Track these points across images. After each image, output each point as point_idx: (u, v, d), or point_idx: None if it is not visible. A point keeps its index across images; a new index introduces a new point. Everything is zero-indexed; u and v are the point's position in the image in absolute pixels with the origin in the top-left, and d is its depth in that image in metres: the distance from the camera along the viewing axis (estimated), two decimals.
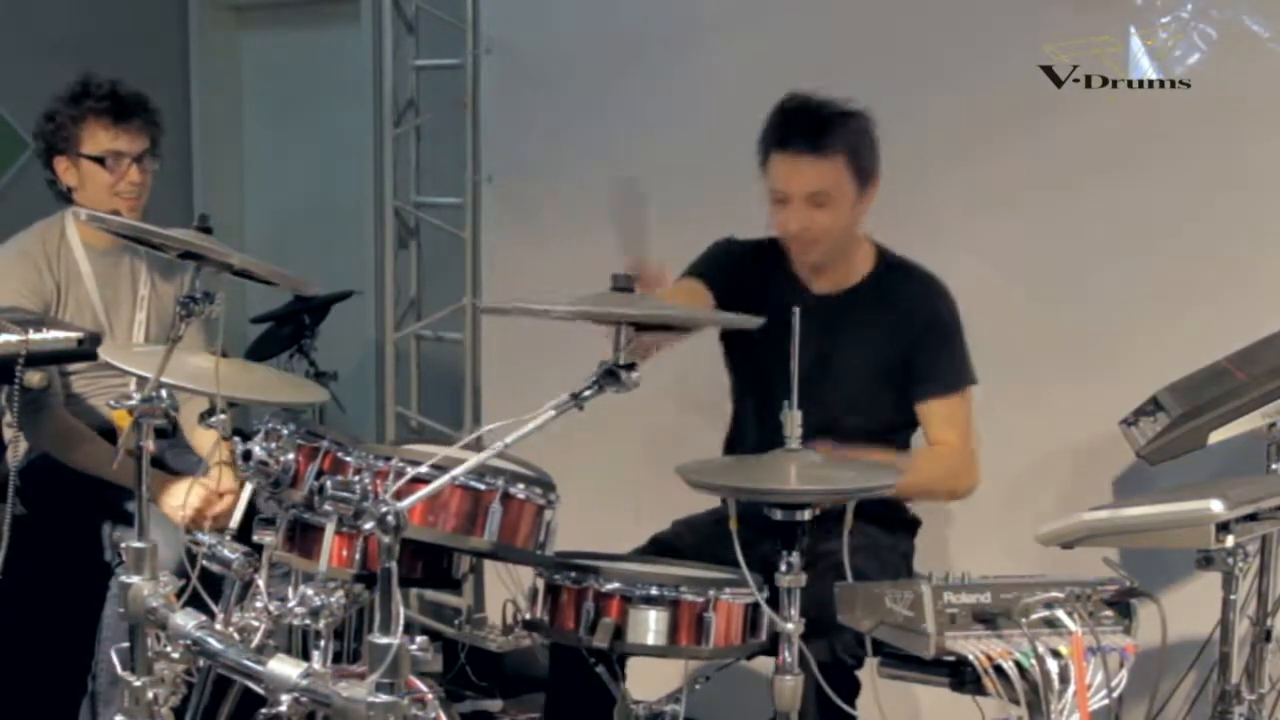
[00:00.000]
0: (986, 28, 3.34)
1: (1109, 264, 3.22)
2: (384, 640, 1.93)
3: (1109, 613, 2.25)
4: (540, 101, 4.25)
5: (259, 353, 4.58)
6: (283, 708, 2.08)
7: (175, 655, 2.37)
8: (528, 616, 2.52)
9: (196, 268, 2.51)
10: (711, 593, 2.42)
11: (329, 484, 2.01)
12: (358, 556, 2.44)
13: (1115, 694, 2.19)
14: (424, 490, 2.05)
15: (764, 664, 2.44)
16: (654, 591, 2.41)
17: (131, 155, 3.32)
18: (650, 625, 2.41)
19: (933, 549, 3.02)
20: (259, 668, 2.14)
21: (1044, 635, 2.18)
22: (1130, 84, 3.13)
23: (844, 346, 2.89)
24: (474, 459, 2.11)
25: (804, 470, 2.23)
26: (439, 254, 4.74)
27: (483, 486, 2.36)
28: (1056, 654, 2.16)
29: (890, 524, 2.93)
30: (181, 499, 3.07)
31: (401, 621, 1.93)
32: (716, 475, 2.32)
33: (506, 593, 2.58)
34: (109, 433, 3.28)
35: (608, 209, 2.73)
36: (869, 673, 2.51)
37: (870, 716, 2.51)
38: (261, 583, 2.40)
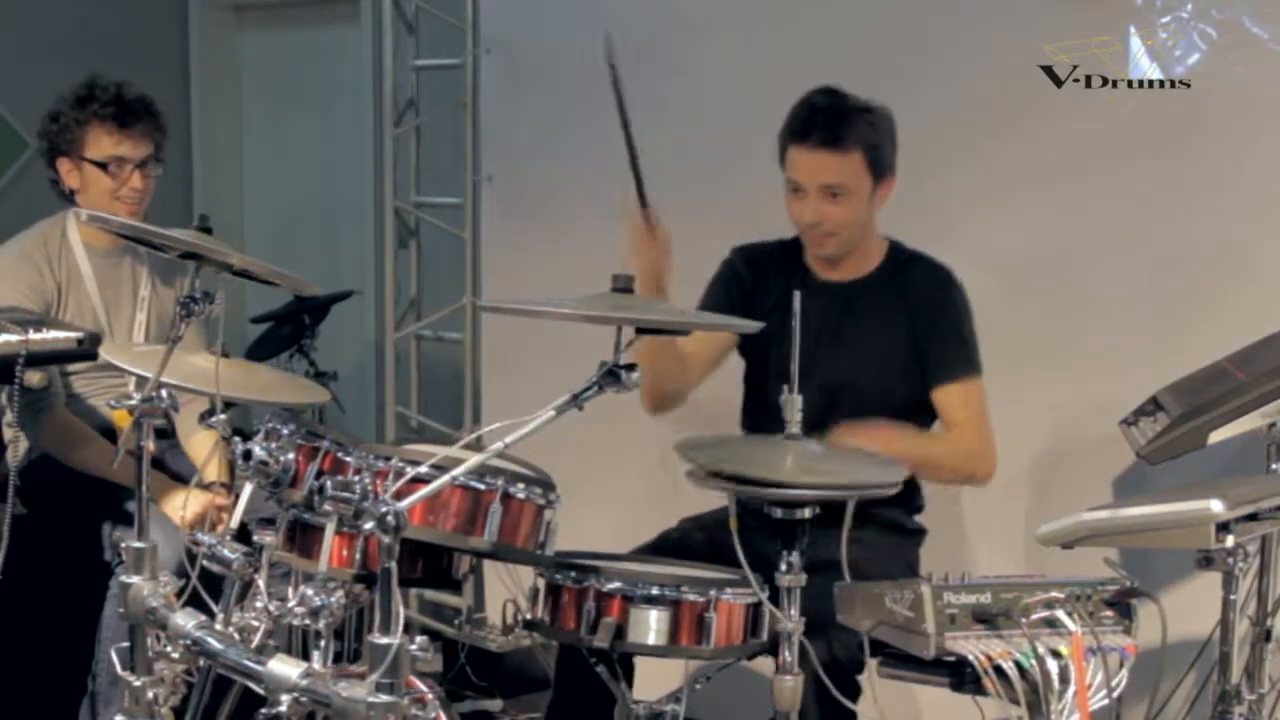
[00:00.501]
0: (986, 28, 3.34)
1: (1109, 264, 3.22)
2: (384, 640, 1.93)
3: (1109, 613, 2.25)
4: (540, 101, 4.25)
5: (259, 353, 4.58)
6: (283, 708, 2.08)
7: (175, 655, 2.37)
8: (528, 616, 2.52)
9: (196, 268, 2.51)
10: (712, 593, 2.42)
11: (329, 484, 2.01)
12: (358, 556, 2.44)
13: (1115, 694, 2.19)
14: (424, 490, 2.05)
15: (764, 664, 2.44)
16: (655, 591, 2.41)
17: (134, 161, 3.32)
18: (651, 625, 2.41)
19: (933, 549, 3.02)
20: (259, 668, 2.14)
21: (1044, 635, 2.19)
22: (1130, 84, 3.13)
23: (855, 333, 2.92)
24: (474, 459, 2.11)
25: (802, 463, 2.24)
26: (439, 254, 4.74)
27: (483, 486, 2.36)
28: (1056, 654, 2.16)
29: (896, 532, 2.93)
30: (181, 504, 3.07)
31: (401, 621, 1.94)
32: (715, 458, 2.31)
33: (506, 593, 2.58)
34: (110, 433, 3.28)
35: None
36: (869, 673, 2.51)
37: (870, 717, 2.51)
38: (261, 583, 2.40)
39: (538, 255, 4.19)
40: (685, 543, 2.91)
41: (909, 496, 2.95)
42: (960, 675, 2.22)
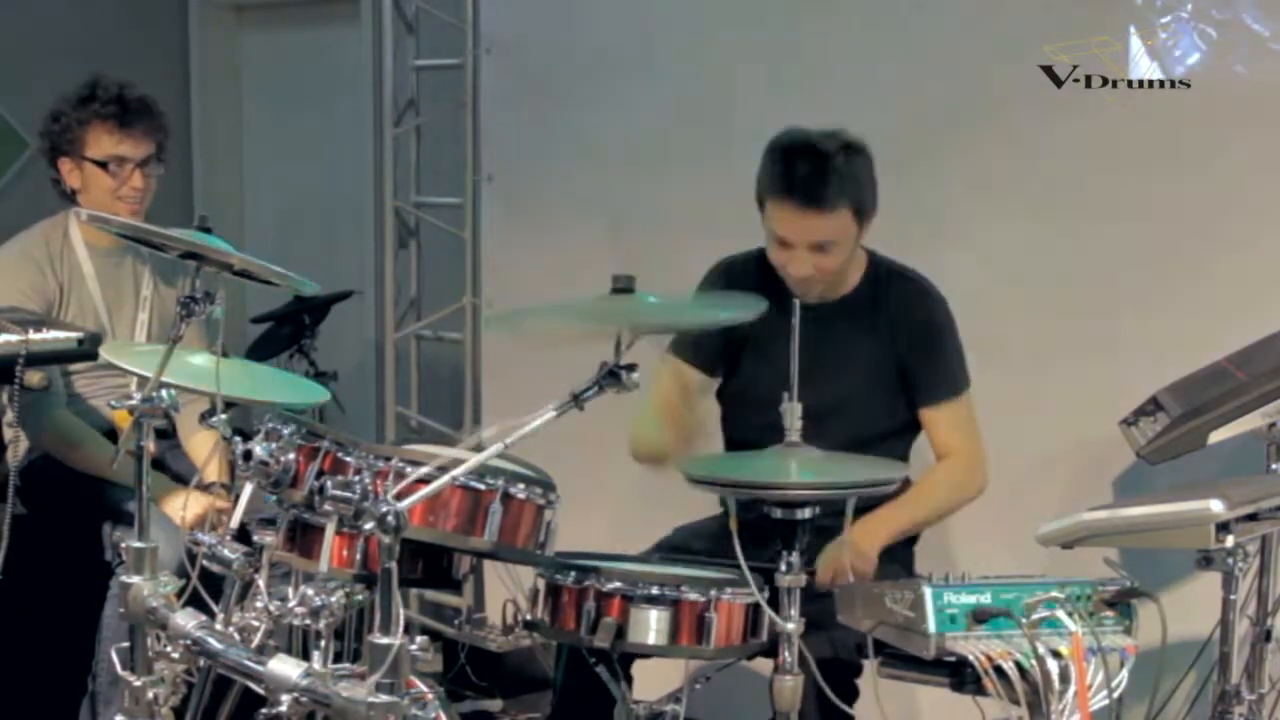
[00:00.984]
0: (987, 28, 3.34)
1: (1109, 263, 3.22)
2: (384, 640, 1.93)
3: (1109, 613, 2.25)
4: (540, 101, 4.25)
5: (259, 353, 4.57)
6: (283, 708, 2.08)
7: (175, 655, 2.37)
8: (528, 616, 2.52)
9: (196, 268, 2.51)
10: (713, 593, 2.42)
11: (329, 484, 2.01)
12: (358, 557, 2.44)
13: (1115, 694, 2.18)
14: (424, 490, 2.05)
15: (764, 664, 2.44)
16: (655, 591, 2.42)
17: (135, 161, 3.32)
18: (651, 625, 2.41)
19: (933, 549, 3.02)
20: (259, 668, 2.14)
21: (1044, 635, 2.18)
22: (1130, 84, 3.13)
23: (835, 353, 2.87)
24: (474, 459, 2.11)
25: (803, 466, 2.24)
26: (439, 254, 4.74)
27: (483, 486, 2.35)
28: (1057, 654, 2.16)
29: None
30: (181, 505, 3.07)
31: (401, 621, 1.93)
32: (716, 470, 2.31)
33: (506, 593, 2.58)
34: (111, 433, 3.28)
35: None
36: (869, 673, 2.51)
37: (870, 717, 2.51)
38: (261, 583, 2.39)
39: (538, 255, 4.19)
40: (683, 551, 2.91)
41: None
42: (960, 675, 2.22)
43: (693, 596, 2.42)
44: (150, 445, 2.48)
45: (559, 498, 2.45)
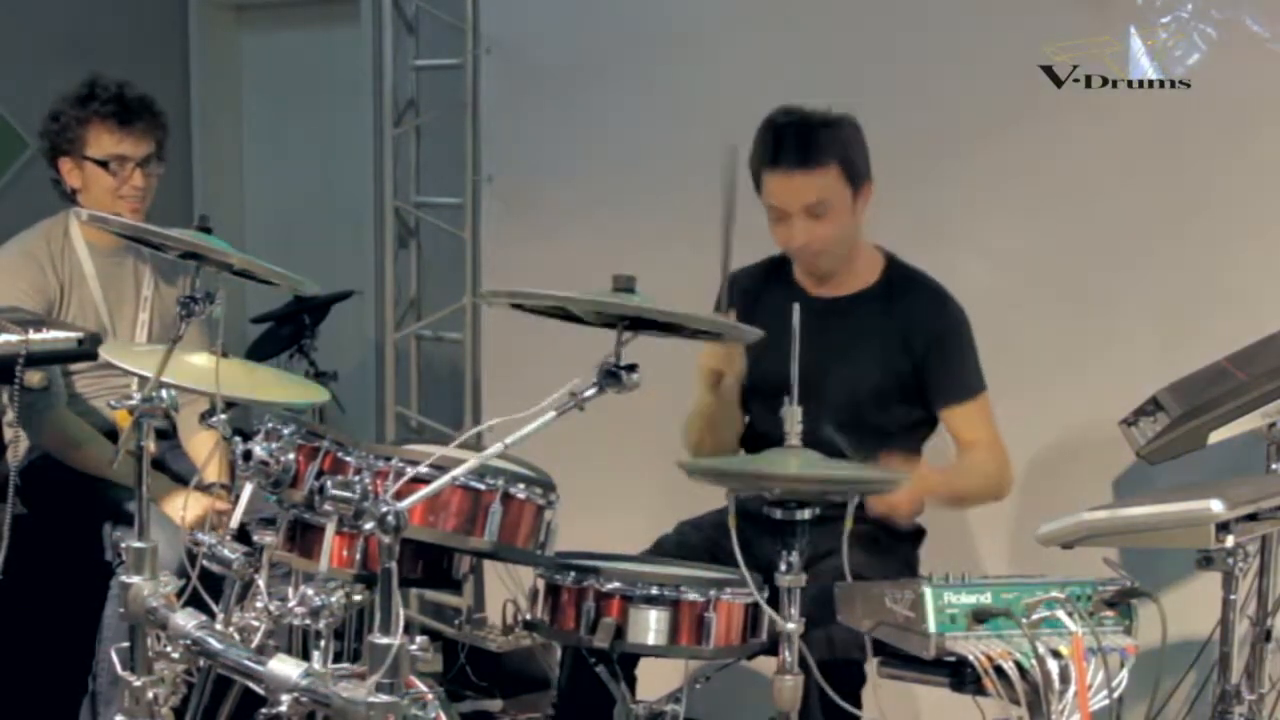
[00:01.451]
0: (987, 28, 3.34)
1: (1109, 263, 3.22)
2: (384, 640, 1.93)
3: (1109, 613, 2.25)
4: (540, 101, 4.25)
5: (259, 353, 4.57)
6: (283, 708, 2.08)
7: (175, 655, 2.37)
8: (528, 616, 2.52)
9: (197, 268, 2.51)
10: (712, 592, 2.42)
11: (329, 484, 2.01)
12: (358, 557, 2.44)
13: (1115, 694, 2.19)
14: (424, 490, 2.05)
15: (764, 664, 2.44)
16: (654, 591, 2.42)
17: (135, 159, 3.32)
18: (651, 625, 2.41)
19: (934, 549, 3.02)
20: (259, 668, 2.14)
21: (1044, 635, 2.19)
22: (1130, 84, 3.13)
23: (848, 350, 2.89)
24: (474, 459, 2.11)
25: (804, 466, 2.24)
26: (439, 254, 4.74)
27: (483, 486, 2.36)
28: (1057, 654, 2.16)
29: (895, 533, 2.93)
30: (181, 505, 3.07)
31: (401, 621, 1.94)
32: (717, 469, 2.32)
33: (506, 593, 2.58)
34: (111, 433, 3.28)
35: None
36: (872, 674, 2.51)
37: (870, 716, 2.51)
38: (261, 583, 2.40)
39: (537, 255, 4.19)
40: (683, 546, 2.91)
41: None
42: (960, 675, 2.22)
43: (692, 596, 2.42)
44: (150, 445, 2.49)
45: (559, 498, 2.46)
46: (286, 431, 2.46)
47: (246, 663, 2.19)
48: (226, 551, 2.44)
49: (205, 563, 2.46)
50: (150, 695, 2.40)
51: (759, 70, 3.67)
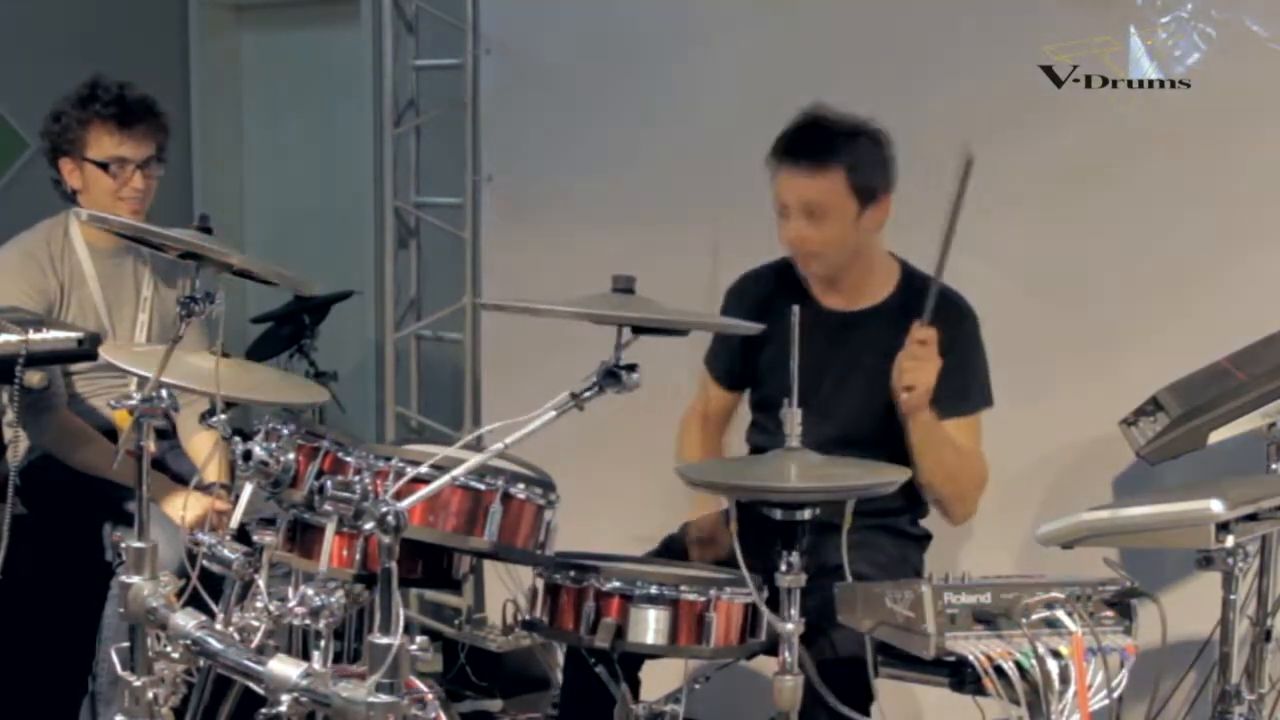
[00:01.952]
0: (986, 28, 3.34)
1: (1109, 263, 3.22)
2: (384, 640, 1.93)
3: (1109, 613, 2.25)
4: (540, 101, 4.25)
5: (259, 353, 4.58)
6: (283, 708, 2.08)
7: (175, 655, 2.37)
8: (528, 616, 2.52)
9: (197, 268, 2.51)
10: (712, 592, 2.42)
11: (329, 484, 2.01)
12: (358, 557, 2.44)
13: (1115, 694, 2.19)
14: (424, 490, 2.05)
15: (764, 664, 2.44)
16: (654, 591, 2.42)
17: (136, 161, 3.32)
18: (651, 625, 2.42)
19: (933, 549, 3.02)
20: (259, 668, 2.14)
21: (1044, 635, 2.18)
22: (1130, 84, 3.13)
23: (860, 363, 2.86)
24: (474, 459, 2.11)
25: (804, 470, 2.24)
26: (439, 254, 4.74)
27: (483, 486, 2.36)
28: (1057, 654, 2.16)
29: (902, 538, 2.92)
30: (181, 505, 3.07)
31: (401, 621, 1.94)
32: (716, 475, 2.32)
33: (506, 593, 2.58)
34: (111, 433, 3.28)
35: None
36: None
37: (870, 716, 2.51)
38: (261, 583, 2.40)
39: (537, 255, 4.19)
40: (683, 545, 2.91)
41: (913, 504, 2.94)
42: (960, 675, 2.22)
43: (692, 596, 2.42)
44: (150, 445, 2.49)
45: (559, 498, 2.46)
46: (286, 431, 2.46)
47: (246, 663, 2.19)
48: (226, 551, 2.44)
49: (205, 563, 2.46)
50: (150, 695, 2.40)
51: (759, 70, 3.67)
